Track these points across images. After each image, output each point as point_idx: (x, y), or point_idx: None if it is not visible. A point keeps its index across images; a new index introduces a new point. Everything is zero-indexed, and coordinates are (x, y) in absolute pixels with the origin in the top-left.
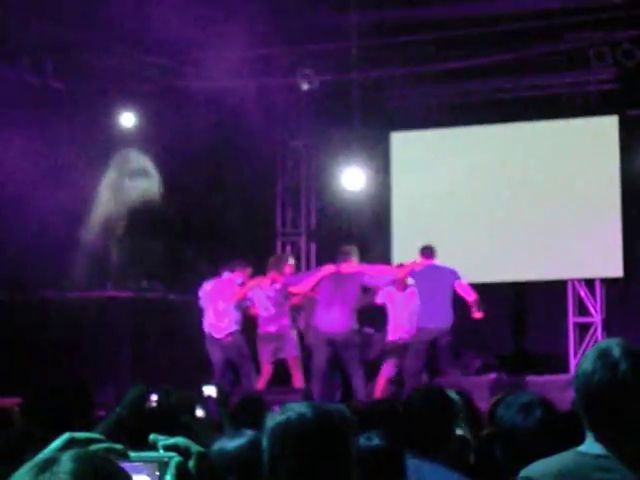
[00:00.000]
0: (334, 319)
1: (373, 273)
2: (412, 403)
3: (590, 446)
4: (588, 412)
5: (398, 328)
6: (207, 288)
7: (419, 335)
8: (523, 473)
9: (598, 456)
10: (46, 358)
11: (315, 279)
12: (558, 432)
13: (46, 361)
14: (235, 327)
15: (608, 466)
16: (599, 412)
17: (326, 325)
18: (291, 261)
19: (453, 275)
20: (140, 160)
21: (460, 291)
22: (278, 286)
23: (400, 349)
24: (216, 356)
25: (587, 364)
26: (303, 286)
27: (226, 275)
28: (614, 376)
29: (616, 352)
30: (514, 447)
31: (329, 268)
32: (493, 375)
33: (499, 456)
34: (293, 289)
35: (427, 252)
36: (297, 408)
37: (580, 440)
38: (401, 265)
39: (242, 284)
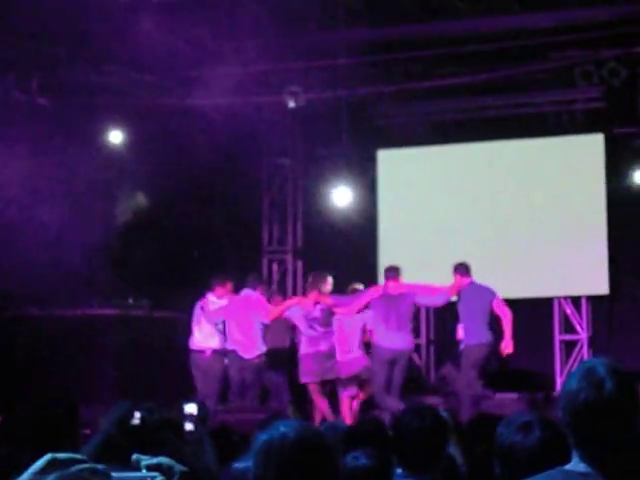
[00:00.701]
0: (397, 338)
1: (424, 293)
2: (403, 422)
3: (576, 464)
4: (573, 430)
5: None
6: (221, 304)
7: (470, 353)
8: None
9: (583, 474)
10: (30, 375)
11: (364, 301)
12: (558, 451)
13: (30, 378)
14: (264, 348)
15: None
16: (584, 430)
17: (390, 343)
18: (330, 279)
19: (491, 293)
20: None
21: (497, 309)
22: (323, 306)
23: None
24: (236, 375)
25: (572, 383)
26: (351, 308)
27: (248, 292)
28: (599, 395)
29: (601, 371)
30: (513, 466)
31: (377, 290)
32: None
33: (497, 474)
34: (340, 311)
35: (464, 269)
36: (282, 427)
37: None
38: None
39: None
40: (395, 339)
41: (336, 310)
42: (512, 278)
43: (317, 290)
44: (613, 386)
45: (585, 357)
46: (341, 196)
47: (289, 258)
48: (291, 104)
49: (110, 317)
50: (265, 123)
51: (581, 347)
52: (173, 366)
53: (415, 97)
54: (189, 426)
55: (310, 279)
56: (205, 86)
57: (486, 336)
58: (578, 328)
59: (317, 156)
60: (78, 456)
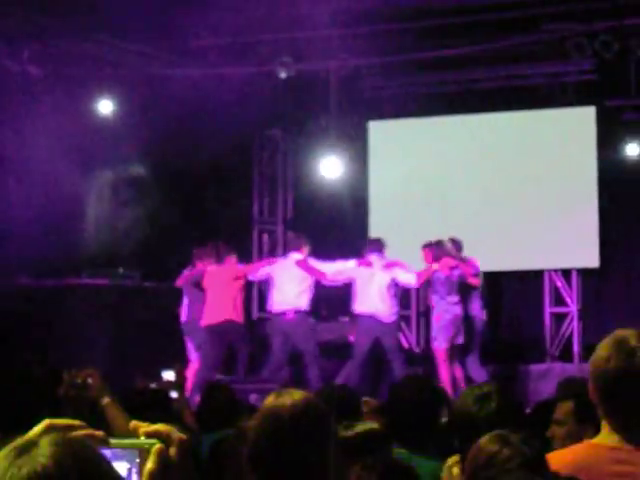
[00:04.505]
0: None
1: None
2: (399, 393)
3: (605, 437)
4: (604, 400)
5: None
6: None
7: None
8: None
9: (613, 448)
10: (20, 347)
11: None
12: (515, 422)
13: (20, 350)
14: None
15: (625, 458)
16: (615, 399)
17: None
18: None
19: None
20: None
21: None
22: (458, 272)
23: None
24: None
25: (603, 352)
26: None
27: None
28: (631, 363)
29: (632, 341)
30: (470, 437)
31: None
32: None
33: (456, 446)
34: (473, 280)
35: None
36: (274, 397)
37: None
38: None
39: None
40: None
41: (471, 280)
42: (503, 250)
43: (449, 256)
44: None
45: (575, 330)
46: (331, 167)
47: (279, 229)
48: (282, 74)
49: (101, 287)
50: (256, 93)
51: (571, 320)
52: (163, 335)
53: (405, 69)
54: (174, 394)
55: (436, 247)
56: (195, 56)
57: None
58: (568, 301)
59: (307, 127)
60: (76, 421)
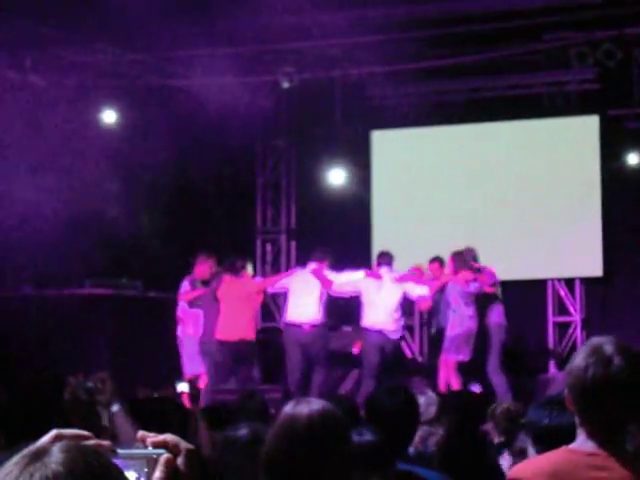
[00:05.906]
0: None
1: None
2: (377, 401)
3: (582, 443)
4: (582, 408)
5: None
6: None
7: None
8: (513, 473)
9: (591, 454)
10: (24, 356)
11: None
12: None
13: (23, 359)
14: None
15: (603, 464)
16: (593, 407)
17: None
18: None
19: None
20: None
21: None
22: (475, 284)
23: None
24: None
25: (580, 360)
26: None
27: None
28: (609, 371)
29: (608, 348)
30: (549, 445)
31: None
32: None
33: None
34: (489, 289)
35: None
36: (296, 406)
37: None
38: None
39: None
40: None
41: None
42: (506, 260)
43: (465, 269)
44: (621, 362)
45: (578, 339)
46: (335, 177)
47: (283, 238)
48: (285, 84)
49: (103, 297)
50: (259, 103)
51: (574, 329)
52: (165, 346)
53: (409, 78)
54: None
55: (457, 259)
56: (199, 66)
57: None
58: (571, 310)
59: (311, 137)
60: (84, 432)
